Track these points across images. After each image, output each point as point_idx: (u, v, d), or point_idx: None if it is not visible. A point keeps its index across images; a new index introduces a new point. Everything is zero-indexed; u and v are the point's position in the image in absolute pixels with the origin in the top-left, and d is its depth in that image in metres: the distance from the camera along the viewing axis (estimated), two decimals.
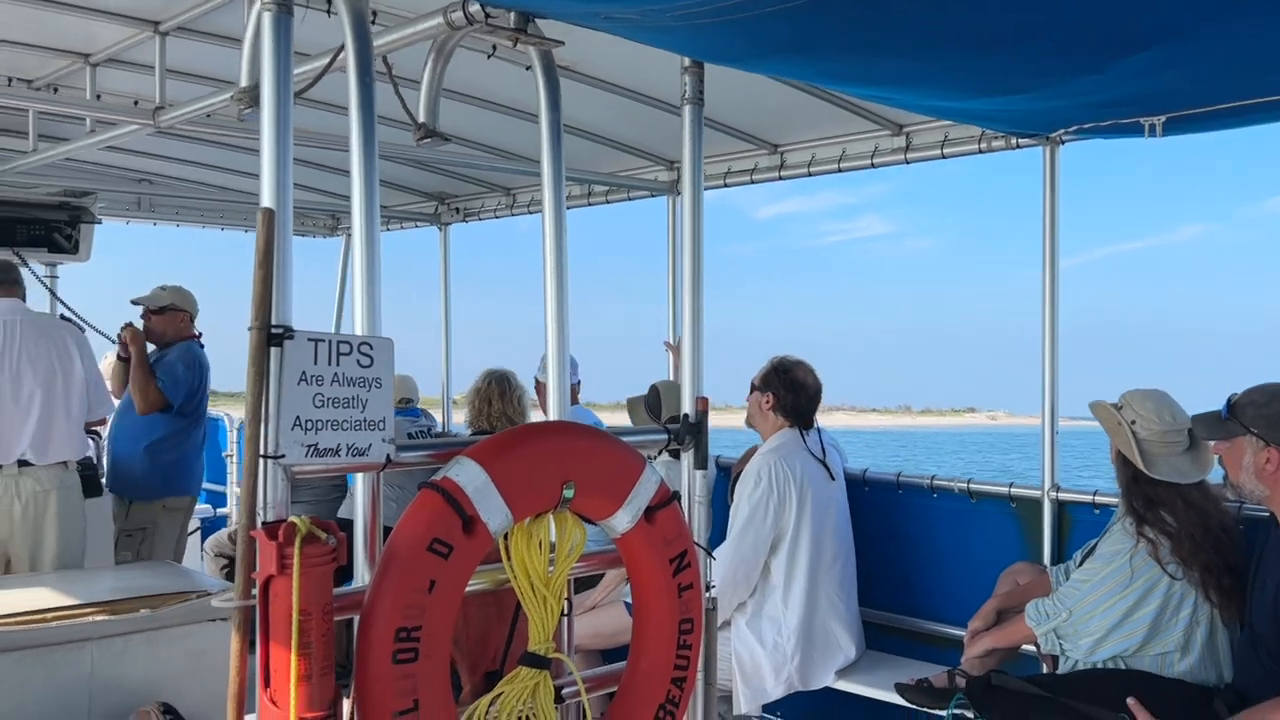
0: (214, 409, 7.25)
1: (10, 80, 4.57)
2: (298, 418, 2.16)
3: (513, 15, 2.56)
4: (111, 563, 5.32)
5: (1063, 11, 2.12)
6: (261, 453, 2.12)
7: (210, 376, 5.68)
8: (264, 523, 2.11)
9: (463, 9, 2.59)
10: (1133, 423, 3.38)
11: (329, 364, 2.21)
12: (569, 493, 2.42)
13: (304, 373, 2.17)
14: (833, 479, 4.37)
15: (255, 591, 2.08)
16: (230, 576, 6.01)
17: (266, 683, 2.07)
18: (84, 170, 6.11)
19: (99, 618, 3.76)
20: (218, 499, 8.24)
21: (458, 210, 6.83)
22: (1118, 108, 3.08)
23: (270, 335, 2.13)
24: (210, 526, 7.53)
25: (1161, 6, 2.10)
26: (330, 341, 2.22)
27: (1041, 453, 4.21)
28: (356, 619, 2.24)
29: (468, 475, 2.28)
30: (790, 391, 4.38)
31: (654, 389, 4.68)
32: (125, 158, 6.03)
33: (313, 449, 2.18)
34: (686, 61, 2.92)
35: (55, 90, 4.60)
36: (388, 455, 2.32)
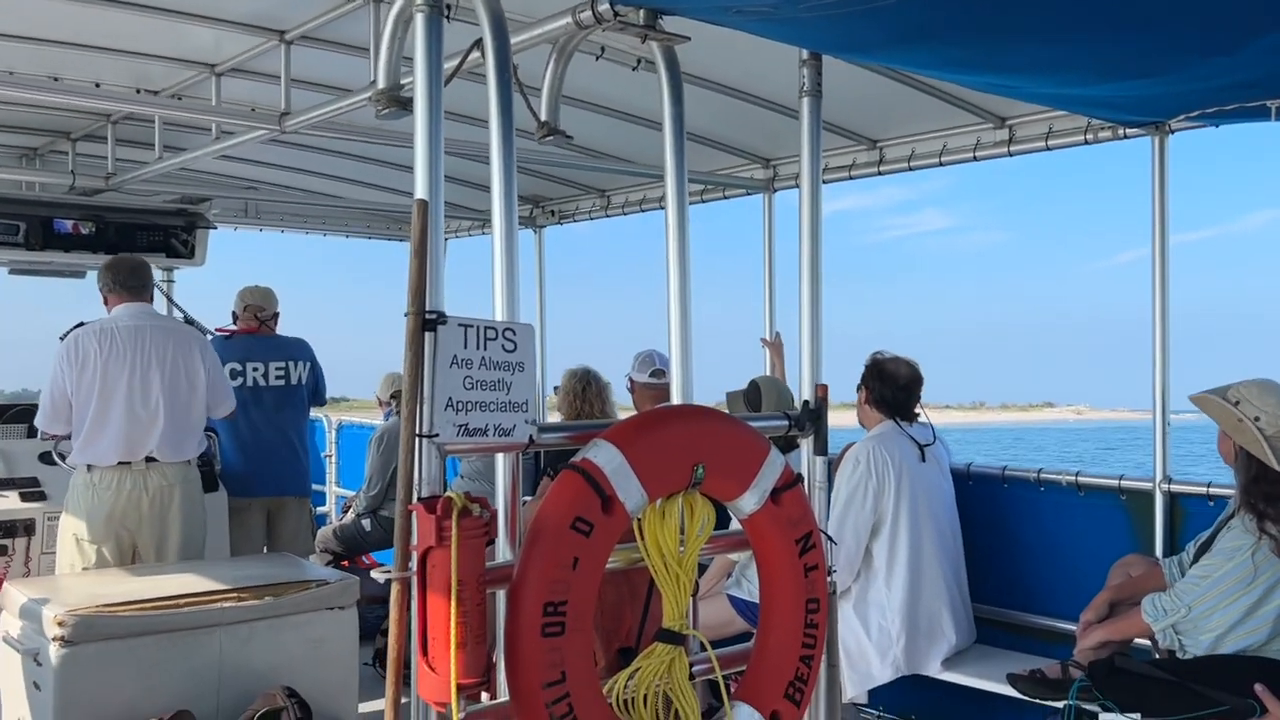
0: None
1: (138, 90, 4.79)
2: (450, 399, 2.26)
3: (642, 13, 2.64)
4: (227, 555, 5.53)
5: None
6: (417, 432, 2.23)
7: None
8: (420, 498, 2.21)
9: (592, 8, 2.68)
10: (1256, 419, 3.29)
11: (478, 348, 2.32)
12: (700, 473, 2.49)
13: (455, 356, 2.28)
14: (935, 466, 4.40)
15: (413, 564, 2.18)
16: (332, 566, 6.22)
17: (425, 650, 2.17)
18: (194, 178, 6.36)
19: (228, 604, 3.92)
20: (317, 498, 8.48)
21: (553, 213, 6.96)
22: (1244, 90, 3.06)
23: (425, 321, 2.24)
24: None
25: None
26: (479, 327, 2.32)
27: (1154, 444, 4.17)
28: (502, 594, 2.35)
29: (606, 457, 2.36)
30: (881, 382, 4.46)
31: (754, 384, 4.74)
32: (236, 165, 6.26)
33: (463, 429, 2.29)
34: (804, 54, 2.97)
35: (179, 99, 4.81)
36: (530, 436, 2.42)
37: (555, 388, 5.74)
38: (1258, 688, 3.00)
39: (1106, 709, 3.04)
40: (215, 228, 6.08)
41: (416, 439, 2.23)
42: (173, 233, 5.95)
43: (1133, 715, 2.99)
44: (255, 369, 5.77)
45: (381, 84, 2.95)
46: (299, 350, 6.00)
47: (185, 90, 4.72)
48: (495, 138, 2.49)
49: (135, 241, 5.80)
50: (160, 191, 5.88)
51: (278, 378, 5.85)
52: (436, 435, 2.24)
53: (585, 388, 5.43)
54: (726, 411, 5.15)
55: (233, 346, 5.79)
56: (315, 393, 6.17)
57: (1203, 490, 4.05)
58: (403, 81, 2.99)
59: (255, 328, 5.90)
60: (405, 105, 2.97)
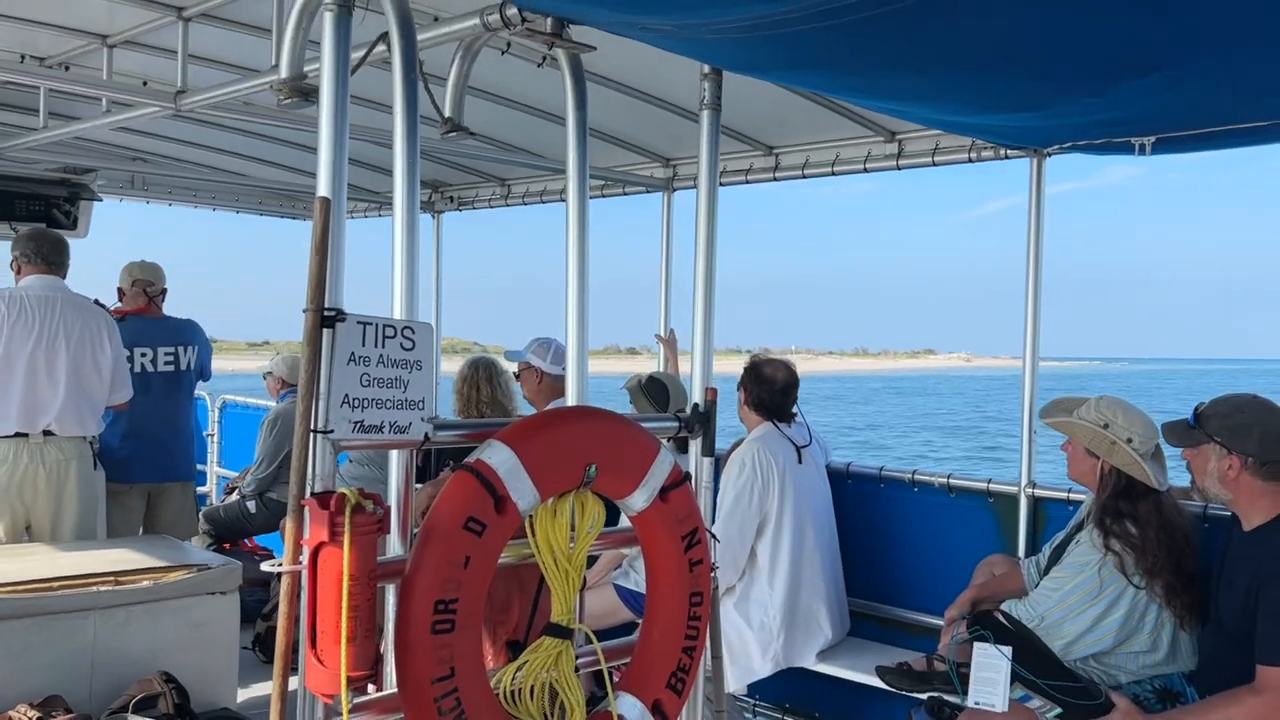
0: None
1: (23, 58, 4.61)
2: (346, 396, 2.29)
3: (550, 21, 2.69)
4: (104, 535, 5.39)
5: (1077, 37, 2.29)
6: (312, 427, 2.24)
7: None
8: (314, 493, 2.23)
9: (500, 12, 2.72)
10: (1129, 440, 3.49)
11: (376, 346, 2.34)
12: (592, 473, 2.56)
13: (353, 353, 2.30)
14: (813, 466, 4.57)
15: (305, 558, 2.20)
16: (214, 548, 6.13)
17: (313, 643, 2.19)
18: (80, 147, 6.14)
19: (103, 588, 3.85)
20: (198, 478, 8.27)
21: (452, 199, 6.93)
22: (1111, 127, 3.26)
23: (324, 318, 2.25)
24: None
25: (1168, 36, 2.27)
26: (377, 325, 2.35)
27: (1021, 450, 4.41)
28: (392, 588, 2.39)
29: (499, 458, 2.40)
30: (758, 386, 4.60)
31: (657, 380, 4.85)
32: (125, 136, 6.07)
33: (359, 425, 2.31)
34: (706, 69, 3.06)
35: (67, 69, 4.65)
36: (425, 434, 2.45)
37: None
38: (1100, 686, 3.23)
39: (985, 639, 3.25)
40: (100, 199, 5.89)
41: (311, 434, 2.24)
42: (55, 203, 5.76)
43: (1005, 648, 3.19)
44: (144, 354, 5.60)
45: (285, 73, 2.93)
46: (189, 334, 5.85)
47: (74, 60, 4.57)
48: (399, 136, 2.51)
49: (14, 210, 5.60)
50: (43, 160, 5.67)
51: (167, 363, 5.70)
52: (331, 431, 2.26)
53: (490, 377, 5.42)
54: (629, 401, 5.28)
55: (122, 330, 5.63)
56: (201, 372, 6.04)
57: (1064, 495, 4.30)
58: (306, 69, 2.97)
59: (145, 306, 5.72)
60: (308, 95, 2.96)
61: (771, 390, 4.58)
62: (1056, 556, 3.73)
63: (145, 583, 3.94)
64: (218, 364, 8.77)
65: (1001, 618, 3.34)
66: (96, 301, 4.88)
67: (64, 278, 4.75)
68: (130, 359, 5.58)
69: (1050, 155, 4.21)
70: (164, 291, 5.85)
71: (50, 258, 4.64)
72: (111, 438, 5.64)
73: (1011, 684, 3.21)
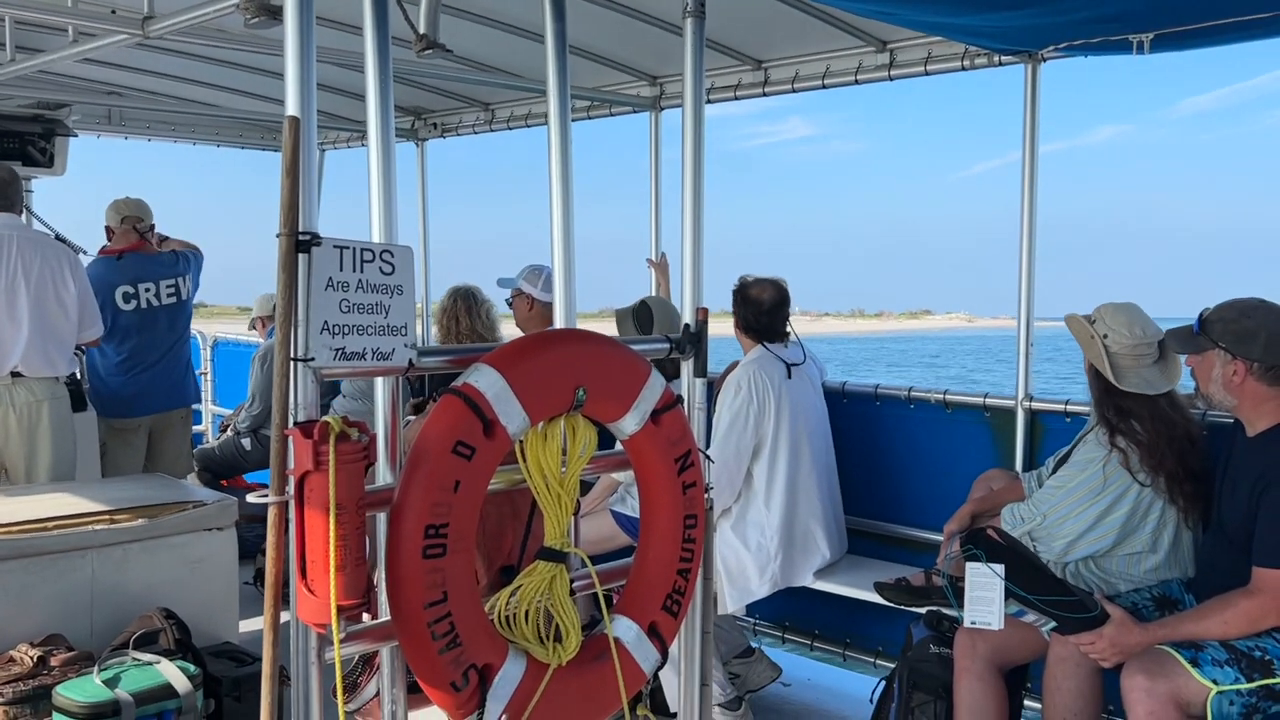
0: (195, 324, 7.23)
1: None
2: (326, 322, 2.23)
3: None
4: (98, 475, 5.40)
5: None
6: (292, 355, 2.19)
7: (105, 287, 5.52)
8: (297, 422, 2.19)
9: None
10: (1104, 336, 3.52)
11: (354, 270, 2.28)
12: (582, 396, 2.51)
13: (331, 278, 2.23)
14: (808, 385, 4.52)
15: (290, 488, 2.16)
16: (210, 485, 6.14)
17: (304, 573, 2.17)
18: (52, 82, 6.00)
19: (98, 527, 3.86)
20: (194, 416, 8.25)
21: (435, 126, 6.80)
22: (1108, 24, 3.16)
23: (299, 242, 2.18)
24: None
25: None
26: (355, 248, 2.28)
27: (1016, 363, 4.37)
28: (382, 516, 2.36)
29: (487, 381, 2.35)
30: (745, 308, 4.51)
31: (645, 305, 4.77)
32: (97, 70, 5.92)
33: (340, 352, 2.25)
34: None
35: None
36: (410, 360, 2.40)
37: None
38: (1096, 595, 3.23)
39: (978, 559, 3.26)
40: (76, 135, 5.76)
41: (291, 363, 2.19)
42: (29, 140, 5.65)
43: (998, 566, 3.20)
44: (147, 289, 5.58)
45: None
46: (183, 262, 5.85)
47: None
48: (371, 52, 2.41)
49: None
50: (14, 96, 5.54)
51: (169, 295, 5.70)
52: (312, 359, 2.21)
53: (469, 307, 5.36)
54: (615, 329, 5.23)
55: (122, 268, 5.57)
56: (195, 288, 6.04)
57: (1060, 408, 4.27)
58: None
59: (137, 242, 5.67)
60: (275, 14, 2.86)
61: (759, 311, 4.49)
62: (1062, 466, 3.72)
63: (140, 521, 3.95)
64: (208, 328, 8.74)
65: (994, 534, 3.33)
66: (58, 236, 4.80)
67: (19, 213, 4.66)
68: (135, 296, 5.55)
69: (1046, 60, 4.10)
70: (153, 228, 5.80)
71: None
72: (117, 375, 5.64)
73: (1005, 599, 3.22)
